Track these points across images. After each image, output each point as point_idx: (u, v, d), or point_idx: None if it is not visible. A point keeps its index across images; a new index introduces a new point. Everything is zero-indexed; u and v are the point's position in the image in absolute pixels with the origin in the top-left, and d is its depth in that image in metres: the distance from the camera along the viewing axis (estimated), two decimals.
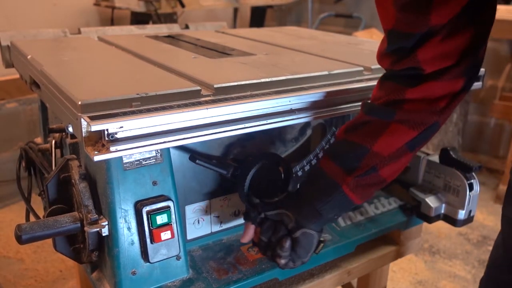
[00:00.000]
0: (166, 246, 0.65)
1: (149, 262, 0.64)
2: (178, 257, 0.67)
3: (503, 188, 2.29)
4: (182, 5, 2.61)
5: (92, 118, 0.53)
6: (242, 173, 0.71)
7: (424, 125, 0.62)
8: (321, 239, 0.69)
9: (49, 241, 0.67)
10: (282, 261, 0.67)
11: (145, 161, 0.63)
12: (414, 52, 0.58)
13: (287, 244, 0.66)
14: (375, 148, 0.63)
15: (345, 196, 0.65)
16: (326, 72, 0.77)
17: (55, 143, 0.82)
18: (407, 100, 0.61)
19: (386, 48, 0.62)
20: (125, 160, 0.61)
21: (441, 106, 0.61)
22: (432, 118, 0.62)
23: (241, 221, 0.80)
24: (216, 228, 0.78)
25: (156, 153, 0.63)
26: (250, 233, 0.71)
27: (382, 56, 0.64)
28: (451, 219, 0.85)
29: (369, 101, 0.66)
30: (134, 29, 1.21)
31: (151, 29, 1.24)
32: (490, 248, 1.88)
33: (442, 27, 0.56)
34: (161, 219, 0.64)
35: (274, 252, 0.67)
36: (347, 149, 0.65)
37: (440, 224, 0.90)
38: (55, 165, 0.79)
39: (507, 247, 0.71)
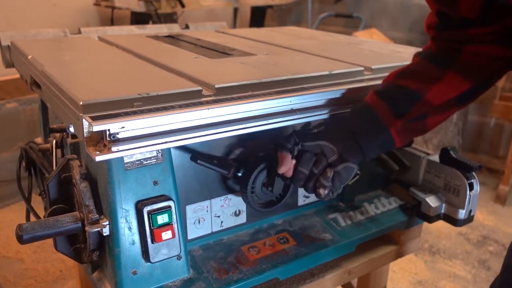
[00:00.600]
0: (167, 246, 0.65)
1: (150, 262, 0.64)
2: (178, 257, 0.67)
3: (503, 188, 2.29)
4: (182, 5, 2.61)
5: (94, 119, 0.53)
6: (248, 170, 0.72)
7: (479, 78, 0.63)
8: (358, 172, 0.71)
9: (49, 241, 0.67)
10: (326, 191, 0.68)
11: (146, 161, 0.63)
12: (465, 30, 0.61)
13: (331, 174, 0.68)
14: (427, 96, 0.65)
15: (391, 138, 0.67)
16: (326, 72, 0.77)
17: (56, 143, 0.82)
18: (466, 51, 0.63)
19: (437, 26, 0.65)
20: (126, 160, 0.61)
21: (497, 66, 0.63)
22: (486, 71, 0.63)
23: (241, 220, 0.80)
24: (217, 228, 0.78)
25: (157, 153, 0.64)
26: (288, 163, 0.69)
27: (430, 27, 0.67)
28: (451, 219, 0.86)
29: (426, 47, 0.69)
30: (134, 29, 1.21)
31: (151, 29, 1.24)
32: (490, 248, 1.89)
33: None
34: (162, 219, 0.64)
35: (317, 183, 0.68)
36: (399, 92, 0.67)
37: (440, 224, 0.90)
38: (56, 165, 0.79)
39: None
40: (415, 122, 0.66)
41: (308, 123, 0.74)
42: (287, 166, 0.69)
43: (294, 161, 0.69)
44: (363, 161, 0.69)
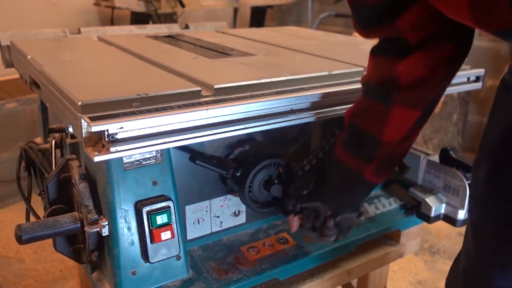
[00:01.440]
0: (166, 246, 0.65)
1: (149, 262, 0.64)
2: (178, 257, 0.67)
3: None
4: (182, 5, 2.61)
5: (92, 119, 0.53)
6: (244, 172, 0.72)
7: (425, 103, 0.61)
8: (359, 212, 0.76)
9: (49, 241, 0.67)
10: (332, 239, 0.74)
11: (145, 161, 0.63)
12: (393, 21, 0.56)
13: (331, 224, 0.72)
14: (384, 138, 0.64)
15: (370, 182, 0.69)
16: (326, 73, 0.77)
17: (55, 143, 0.82)
18: (401, 74, 0.58)
19: (358, 24, 0.60)
20: (125, 160, 0.61)
21: (438, 76, 0.59)
22: (432, 92, 0.60)
23: (241, 221, 0.80)
24: (216, 228, 0.78)
25: (156, 153, 0.63)
26: (296, 222, 0.75)
27: (359, 29, 0.61)
28: (451, 219, 0.85)
29: (365, 79, 0.65)
30: (134, 29, 1.21)
31: (151, 29, 1.24)
32: None
33: None
34: (161, 219, 0.64)
35: (321, 233, 0.73)
36: (360, 139, 0.66)
37: (440, 224, 0.90)
38: (55, 165, 0.79)
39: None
40: (385, 161, 0.67)
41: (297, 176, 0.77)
42: (296, 225, 0.76)
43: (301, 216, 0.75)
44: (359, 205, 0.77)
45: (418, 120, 0.62)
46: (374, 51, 0.63)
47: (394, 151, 0.66)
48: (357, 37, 1.36)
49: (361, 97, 0.66)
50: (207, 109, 0.59)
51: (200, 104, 0.61)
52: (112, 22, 2.64)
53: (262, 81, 0.70)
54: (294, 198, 0.74)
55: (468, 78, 0.89)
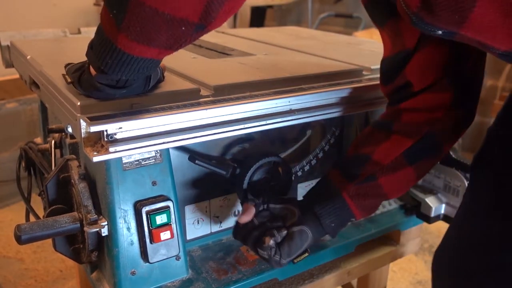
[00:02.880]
0: (165, 246, 0.65)
1: (148, 262, 0.64)
2: (177, 257, 0.67)
3: None
4: None
5: (91, 119, 0.53)
6: (241, 172, 0.71)
7: (418, 135, 0.66)
8: (308, 249, 0.68)
9: (49, 241, 0.67)
10: (271, 242, 0.64)
11: (145, 161, 0.63)
12: (402, 70, 0.65)
13: (284, 231, 0.65)
14: (375, 156, 0.67)
15: (345, 203, 0.67)
16: (326, 72, 0.77)
17: (55, 143, 0.82)
18: (403, 110, 0.67)
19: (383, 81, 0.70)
20: (124, 160, 0.61)
21: (435, 117, 0.65)
22: (424, 128, 0.66)
23: None
24: (216, 228, 0.78)
25: (155, 153, 0.63)
26: (251, 213, 0.67)
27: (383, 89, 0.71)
28: (451, 219, 0.85)
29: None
30: None
31: None
32: None
33: (417, 45, 0.62)
34: (160, 219, 0.64)
35: (267, 232, 0.65)
36: (351, 159, 0.70)
37: (440, 224, 0.90)
38: (55, 165, 0.79)
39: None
40: (367, 184, 0.67)
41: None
42: (247, 218, 0.67)
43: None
44: (327, 232, 0.68)
45: (408, 150, 0.66)
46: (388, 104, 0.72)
47: (379, 173, 0.66)
48: (357, 37, 1.36)
49: (366, 130, 0.72)
50: (206, 109, 0.59)
51: (199, 104, 0.61)
52: None
53: (262, 80, 0.70)
54: (265, 194, 0.70)
55: None
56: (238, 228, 0.69)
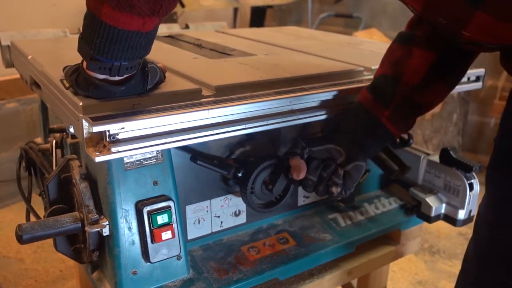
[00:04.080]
0: (166, 246, 0.65)
1: (149, 262, 0.64)
2: (178, 257, 0.67)
3: None
4: (182, 5, 2.61)
5: (94, 119, 0.53)
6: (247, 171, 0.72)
7: (443, 44, 0.66)
8: (367, 168, 0.73)
9: (49, 241, 0.67)
10: (339, 189, 0.70)
11: (146, 161, 0.63)
12: None
13: (342, 172, 0.69)
14: (404, 78, 0.69)
15: (386, 128, 0.70)
16: (327, 73, 0.77)
17: (56, 143, 0.82)
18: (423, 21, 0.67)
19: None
20: (126, 160, 0.61)
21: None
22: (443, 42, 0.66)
23: (241, 221, 0.80)
24: (217, 228, 0.78)
25: (157, 153, 0.64)
26: (303, 167, 0.69)
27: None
28: (451, 219, 0.86)
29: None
30: None
31: None
32: None
33: None
34: (161, 219, 0.64)
35: (329, 182, 0.70)
36: (381, 81, 0.71)
37: (440, 224, 0.90)
38: (56, 165, 0.79)
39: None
40: (401, 107, 0.69)
41: (310, 127, 0.75)
42: (303, 173, 0.69)
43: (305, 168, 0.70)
44: (371, 157, 0.74)
45: (434, 63, 0.67)
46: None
47: (412, 96, 0.69)
48: (357, 37, 1.36)
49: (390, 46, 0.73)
50: (208, 110, 0.59)
51: (200, 104, 0.61)
52: None
53: (263, 81, 0.70)
54: (303, 140, 0.71)
55: (468, 78, 0.89)
56: (297, 182, 0.71)
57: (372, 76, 0.80)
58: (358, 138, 0.71)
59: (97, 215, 0.63)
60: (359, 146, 0.71)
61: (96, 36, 0.50)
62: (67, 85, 0.59)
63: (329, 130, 0.74)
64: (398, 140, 0.89)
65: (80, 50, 0.54)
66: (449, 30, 0.56)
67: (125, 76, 0.55)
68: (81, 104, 0.55)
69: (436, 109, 2.30)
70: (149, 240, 0.63)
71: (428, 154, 0.90)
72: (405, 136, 0.90)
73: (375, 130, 0.71)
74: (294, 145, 0.71)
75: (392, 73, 0.70)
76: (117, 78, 0.55)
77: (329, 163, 0.70)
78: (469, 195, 0.82)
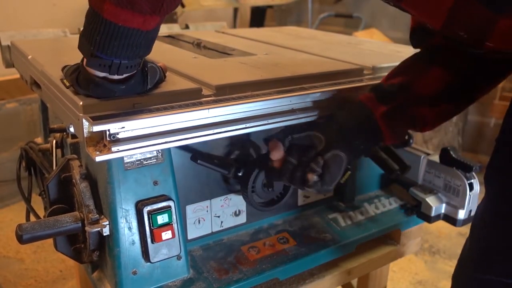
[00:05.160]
0: (167, 246, 0.65)
1: (150, 262, 0.64)
2: (178, 257, 0.67)
3: None
4: (182, 5, 2.61)
5: (94, 119, 0.53)
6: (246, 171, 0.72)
7: (464, 67, 0.64)
8: (348, 166, 0.68)
9: (49, 241, 0.67)
10: (315, 177, 0.64)
11: (146, 161, 0.63)
12: None
13: (321, 160, 0.65)
14: (413, 86, 0.66)
15: (376, 124, 0.66)
16: (327, 72, 0.77)
17: (56, 143, 0.82)
18: (447, 45, 0.64)
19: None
20: (126, 160, 0.61)
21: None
22: (463, 63, 0.63)
23: (241, 220, 0.80)
24: (217, 228, 0.78)
25: (157, 153, 0.64)
26: (279, 150, 0.67)
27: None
28: (451, 219, 0.86)
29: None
30: None
31: None
32: None
33: None
34: (162, 219, 0.64)
35: (307, 169, 0.65)
36: (387, 86, 0.68)
37: (440, 224, 0.90)
38: (56, 165, 0.79)
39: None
40: (400, 110, 0.66)
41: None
42: (279, 153, 0.67)
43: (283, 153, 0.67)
44: (356, 155, 0.68)
45: (450, 85, 0.65)
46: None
47: (415, 104, 0.66)
48: (357, 37, 1.36)
49: (403, 61, 0.70)
50: (208, 109, 0.59)
51: (201, 103, 0.61)
52: None
53: (263, 80, 0.70)
54: (286, 128, 0.68)
55: None
56: (276, 170, 0.68)
57: (372, 76, 0.80)
58: (343, 127, 0.66)
59: (97, 215, 0.63)
60: (342, 135, 0.66)
61: (96, 32, 0.51)
62: (67, 84, 0.59)
63: (314, 121, 0.70)
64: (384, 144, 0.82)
65: (80, 47, 0.54)
66: (471, 44, 0.54)
67: (125, 75, 0.55)
68: (81, 103, 0.55)
69: None
70: (149, 240, 0.63)
71: (428, 154, 0.90)
72: (405, 136, 0.90)
73: (364, 122, 0.66)
74: (277, 132, 0.68)
75: (401, 81, 0.67)
76: (116, 77, 0.54)
77: (309, 150, 0.67)
78: (469, 195, 0.82)
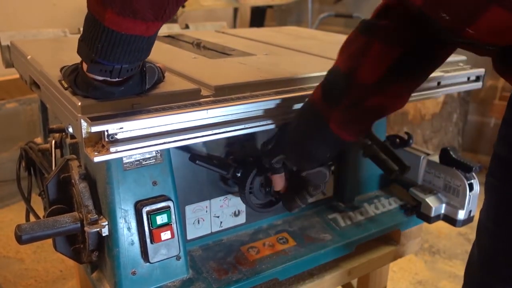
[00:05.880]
0: (166, 246, 0.65)
1: (149, 262, 0.64)
2: (178, 257, 0.67)
3: None
4: (182, 5, 2.61)
5: (92, 119, 0.53)
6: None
7: (404, 43, 0.57)
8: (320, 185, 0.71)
9: (49, 241, 0.67)
10: (298, 202, 0.73)
11: (145, 161, 0.63)
12: None
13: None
14: (358, 76, 0.58)
15: (332, 133, 0.62)
16: (326, 72, 0.77)
17: (55, 143, 0.82)
18: (393, 10, 0.57)
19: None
20: (125, 160, 0.61)
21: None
22: (409, 33, 0.56)
23: (241, 221, 0.80)
24: (216, 228, 0.78)
25: (156, 153, 0.63)
26: (280, 181, 0.72)
27: None
28: (451, 219, 0.85)
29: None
30: None
31: None
32: None
33: None
34: (161, 219, 0.64)
35: (308, 192, 0.71)
36: (333, 77, 0.62)
37: (440, 224, 0.90)
38: (55, 165, 0.79)
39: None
40: (352, 109, 0.60)
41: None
42: (280, 184, 0.72)
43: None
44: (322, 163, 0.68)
45: (396, 62, 0.57)
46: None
47: (365, 98, 0.59)
48: None
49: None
50: (207, 110, 0.59)
51: (200, 104, 0.61)
52: None
53: (262, 80, 0.70)
54: (263, 154, 0.69)
55: (468, 78, 0.89)
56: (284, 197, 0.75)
57: None
58: (307, 147, 0.64)
59: (96, 215, 0.63)
60: (305, 157, 0.65)
61: (97, 40, 0.50)
62: (65, 85, 0.59)
63: (277, 137, 0.68)
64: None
65: (80, 52, 0.53)
66: (450, 27, 0.49)
67: (124, 77, 0.55)
68: (79, 104, 0.55)
69: (436, 109, 2.30)
70: (148, 240, 0.63)
71: (428, 154, 0.90)
72: (405, 136, 0.90)
73: (324, 135, 0.62)
74: (277, 162, 0.68)
75: (345, 69, 0.60)
76: (116, 79, 0.54)
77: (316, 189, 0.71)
78: (469, 195, 0.82)
